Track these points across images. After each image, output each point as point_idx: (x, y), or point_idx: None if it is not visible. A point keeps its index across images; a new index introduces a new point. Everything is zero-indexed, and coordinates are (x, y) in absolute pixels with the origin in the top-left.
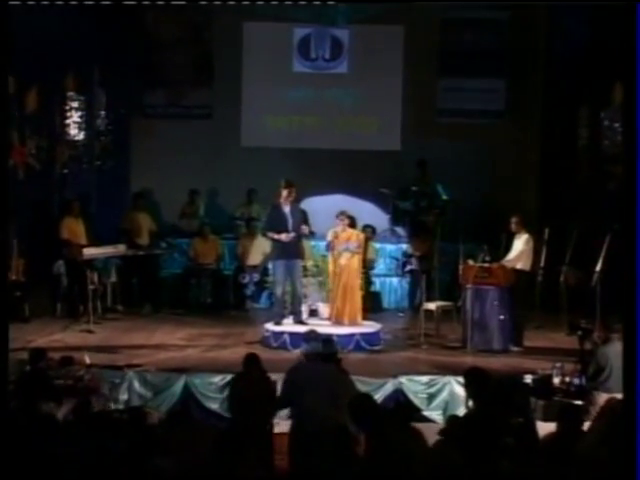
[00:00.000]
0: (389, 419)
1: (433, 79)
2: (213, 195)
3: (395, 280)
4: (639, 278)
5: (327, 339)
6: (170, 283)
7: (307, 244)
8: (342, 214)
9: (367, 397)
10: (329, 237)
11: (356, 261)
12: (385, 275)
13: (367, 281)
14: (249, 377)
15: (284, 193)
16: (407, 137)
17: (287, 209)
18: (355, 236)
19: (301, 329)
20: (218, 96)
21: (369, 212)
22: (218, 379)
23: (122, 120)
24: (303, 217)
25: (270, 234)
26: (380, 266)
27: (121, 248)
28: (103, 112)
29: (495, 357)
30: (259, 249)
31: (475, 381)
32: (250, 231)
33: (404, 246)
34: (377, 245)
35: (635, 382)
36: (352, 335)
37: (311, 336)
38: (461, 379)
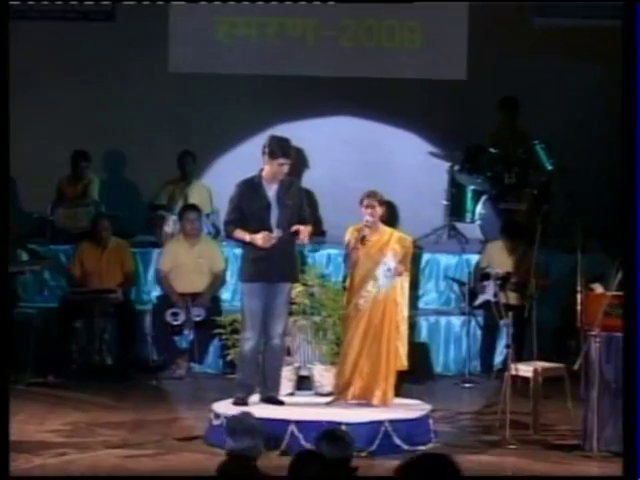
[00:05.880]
0: None
1: None
2: (116, 163)
3: (456, 321)
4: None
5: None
6: (36, 327)
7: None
8: (371, 198)
9: None
10: (347, 240)
11: (398, 289)
12: (437, 312)
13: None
14: None
15: (268, 168)
16: (479, 57)
17: (272, 190)
18: (395, 241)
19: (279, 413)
20: None
21: (406, 194)
22: None
23: None
24: (305, 206)
25: (238, 233)
26: (428, 295)
27: None
28: None
29: None
30: (202, 264)
31: None
32: (186, 230)
33: (474, 258)
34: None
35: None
36: (378, 423)
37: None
38: None
